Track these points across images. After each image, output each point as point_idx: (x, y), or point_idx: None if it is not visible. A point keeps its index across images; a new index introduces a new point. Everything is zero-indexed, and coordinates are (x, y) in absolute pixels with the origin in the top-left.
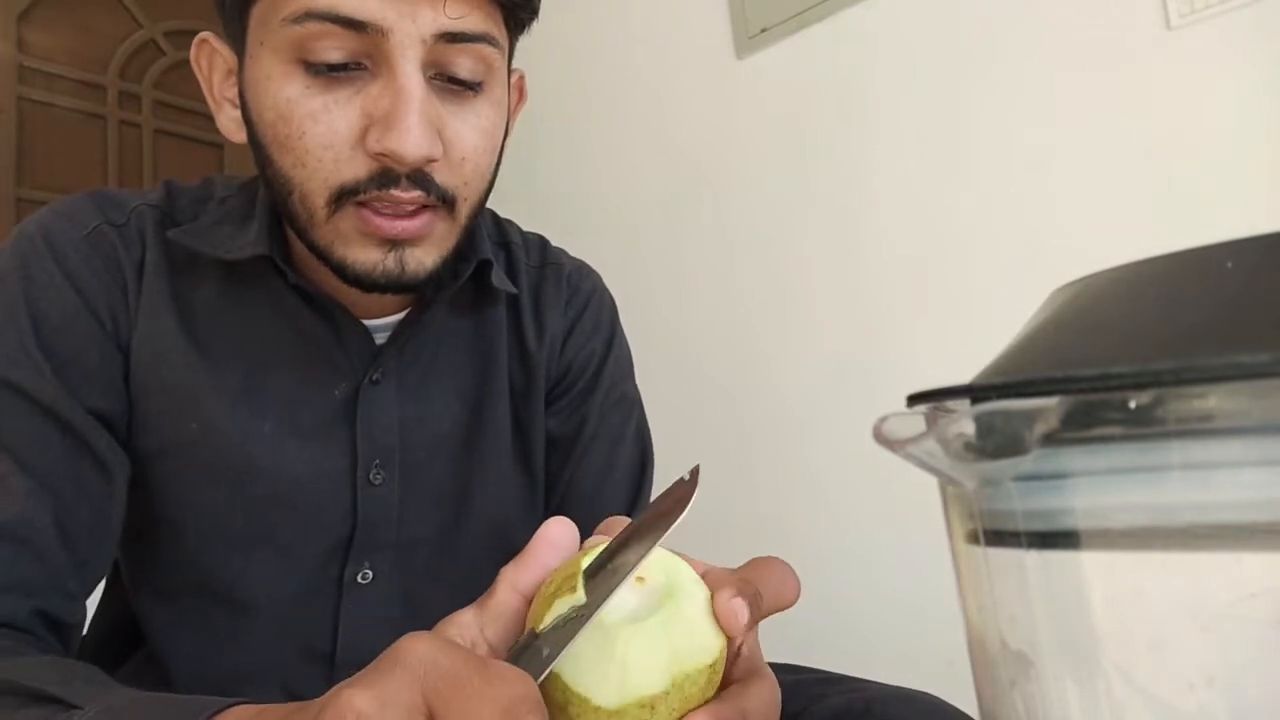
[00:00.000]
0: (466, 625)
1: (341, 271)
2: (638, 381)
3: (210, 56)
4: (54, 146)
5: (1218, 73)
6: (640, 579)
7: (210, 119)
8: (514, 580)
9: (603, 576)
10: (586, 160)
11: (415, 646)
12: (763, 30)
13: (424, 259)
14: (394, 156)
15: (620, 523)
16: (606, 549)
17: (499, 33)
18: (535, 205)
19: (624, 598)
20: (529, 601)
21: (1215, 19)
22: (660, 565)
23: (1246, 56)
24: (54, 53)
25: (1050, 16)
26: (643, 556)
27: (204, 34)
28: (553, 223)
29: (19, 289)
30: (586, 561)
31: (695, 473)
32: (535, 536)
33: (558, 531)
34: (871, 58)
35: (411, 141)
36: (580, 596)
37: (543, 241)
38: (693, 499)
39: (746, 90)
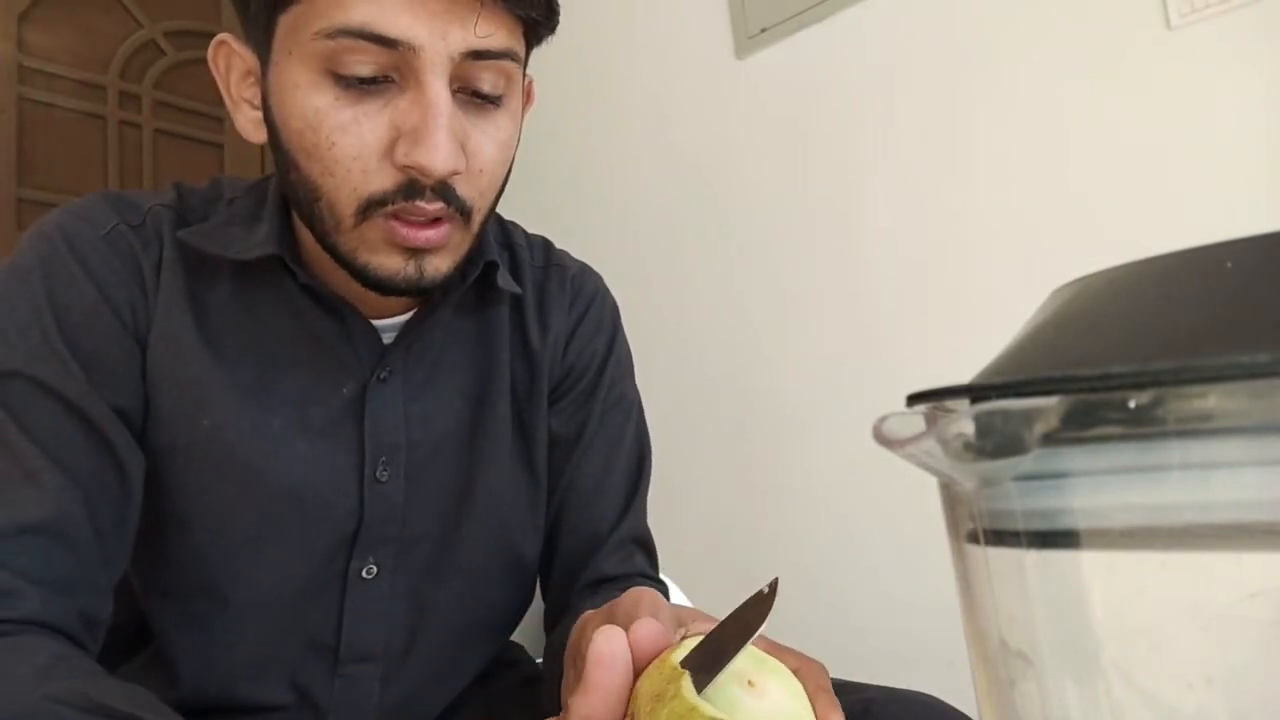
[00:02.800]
0: None
1: (363, 276)
2: (638, 382)
3: (228, 57)
4: (54, 147)
5: (1218, 73)
6: (751, 684)
7: (211, 119)
8: (581, 712)
9: (714, 689)
10: (587, 160)
11: None
12: (763, 30)
13: (440, 265)
14: (422, 170)
15: (634, 603)
16: (693, 660)
17: (520, 47)
18: (536, 206)
19: (749, 705)
20: None
21: (1215, 19)
22: (757, 668)
23: (1246, 56)
24: (54, 53)
25: (1050, 16)
26: (718, 671)
27: (222, 35)
28: (553, 223)
29: (41, 287)
30: (689, 645)
31: (774, 586)
32: (589, 663)
33: (606, 652)
34: (871, 58)
35: (440, 157)
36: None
37: (546, 243)
38: (768, 614)
39: (746, 90)
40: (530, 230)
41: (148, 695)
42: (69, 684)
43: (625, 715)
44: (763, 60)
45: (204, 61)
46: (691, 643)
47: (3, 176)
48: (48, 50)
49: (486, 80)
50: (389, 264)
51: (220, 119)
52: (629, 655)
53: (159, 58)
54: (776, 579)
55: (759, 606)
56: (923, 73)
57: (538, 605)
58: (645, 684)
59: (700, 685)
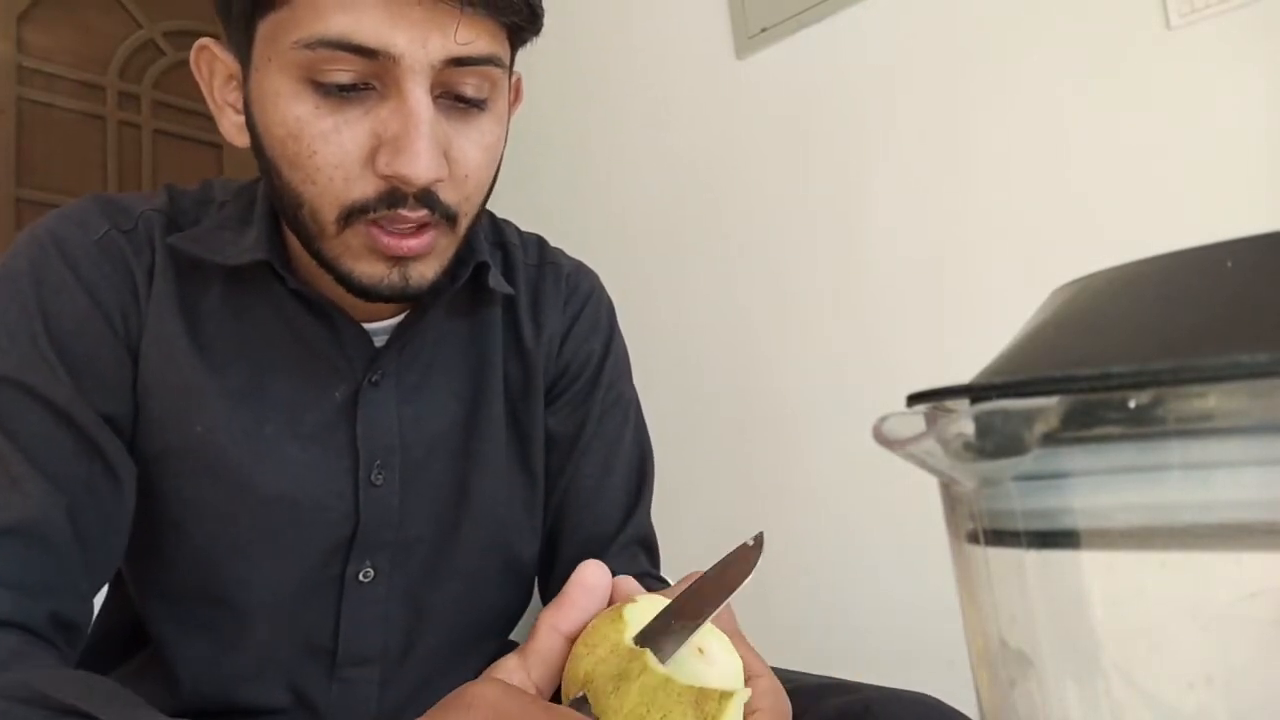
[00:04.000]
0: (513, 670)
1: (347, 283)
2: (637, 383)
3: (210, 62)
4: (53, 147)
5: (1218, 73)
6: (701, 650)
7: (210, 119)
8: (554, 623)
9: (663, 641)
10: (585, 160)
11: (484, 691)
12: (763, 30)
13: (426, 271)
14: (403, 180)
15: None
16: (664, 613)
17: (504, 52)
18: (535, 206)
19: (707, 674)
20: (569, 642)
21: (1215, 19)
22: (707, 641)
23: (1246, 56)
24: (54, 53)
25: (1050, 16)
26: (695, 628)
27: (204, 40)
28: (552, 223)
29: (32, 293)
30: (631, 618)
31: (760, 540)
32: (571, 581)
33: (592, 576)
34: (872, 58)
35: (422, 166)
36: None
37: (541, 241)
38: (755, 566)
39: (746, 90)
40: (528, 230)
41: (100, 683)
42: (14, 676)
43: (572, 694)
44: (763, 60)
45: None
46: (634, 609)
47: (2, 177)
48: (47, 50)
49: (469, 85)
50: (373, 271)
51: None
52: (608, 588)
53: (158, 58)
54: (762, 532)
55: (744, 559)
56: (923, 73)
57: (536, 605)
58: (600, 667)
59: (663, 657)
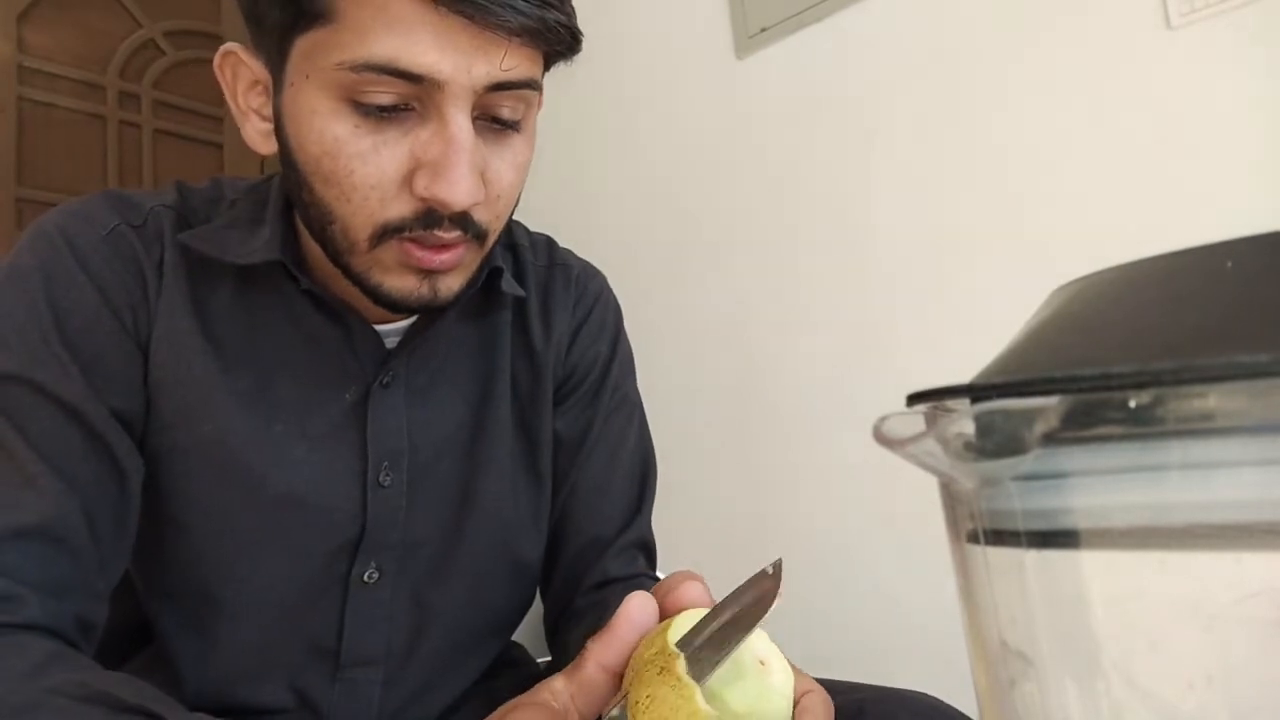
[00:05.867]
0: (559, 692)
1: (375, 295)
2: (639, 381)
3: (235, 67)
4: (54, 146)
5: (1218, 72)
6: (762, 662)
7: (210, 119)
8: (600, 658)
9: (708, 662)
10: (586, 159)
11: (523, 716)
12: (762, 30)
13: (453, 284)
14: (442, 204)
15: (679, 585)
16: (694, 636)
17: (540, 74)
18: (534, 205)
19: (770, 683)
20: (614, 676)
21: (1215, 18)
22: (765, 651)
23: (1247, 56)
24: (54, 53)
25: (1050, 16)
26: (729, 651)
27: (230, 45)
28: (552, 222)
29: (41, 288)
30: (682, 669)
31: (778, 567)
32: (618, 614)
33: (638, 611)
34: (872, 57)
35: (462, 191)
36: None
37: (550, 242)
38: (778, 595)
39: (746, 90)
40: (531, 229)
41: (145, 685)
42: (66, 676)
43: (621, 697)
44: (763, 60)
45: (204, 61)
46: (685, 619)
47: (3, 176)
48: (47, 50)
49: (506, 108)
50: (403, 285)
51: (220, 119)
52: (655, 620)
53: (159, 57)
54: (780, 560)
55: (763, 587)
56: (923, 72)
57: (537, 605)
58: (664, 694)
59: (706, 672)
